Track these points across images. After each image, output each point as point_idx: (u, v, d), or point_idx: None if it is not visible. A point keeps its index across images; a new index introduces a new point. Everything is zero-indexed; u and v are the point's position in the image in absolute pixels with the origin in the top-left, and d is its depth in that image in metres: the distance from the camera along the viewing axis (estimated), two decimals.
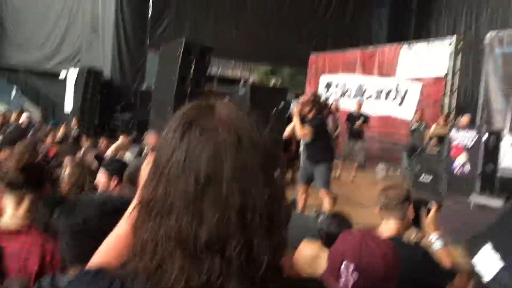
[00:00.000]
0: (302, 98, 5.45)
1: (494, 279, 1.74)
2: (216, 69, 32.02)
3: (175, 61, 6.93)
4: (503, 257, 1.76)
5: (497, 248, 1.80)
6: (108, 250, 0.92)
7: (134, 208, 0.80)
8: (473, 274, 1.94)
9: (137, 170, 2.00)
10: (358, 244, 1.57)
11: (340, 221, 2.84)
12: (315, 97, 5.58)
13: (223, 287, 0.70)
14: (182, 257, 0.71)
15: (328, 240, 2.75)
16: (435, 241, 2.44)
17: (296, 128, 5.19)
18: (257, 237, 0.72)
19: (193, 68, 6.75)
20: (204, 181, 0.72)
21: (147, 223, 0.75)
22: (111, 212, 1.40)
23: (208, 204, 0.71)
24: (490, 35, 10.21)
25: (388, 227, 2.43)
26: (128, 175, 2.87)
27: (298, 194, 5.64)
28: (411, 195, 2.54)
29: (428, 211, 2.47)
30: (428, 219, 2.46)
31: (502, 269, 1.71)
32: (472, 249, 1.93)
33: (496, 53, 10.04)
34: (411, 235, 2.59)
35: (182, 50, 6.82)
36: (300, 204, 5.55)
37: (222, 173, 0.72)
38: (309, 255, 2.81)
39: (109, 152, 4.47)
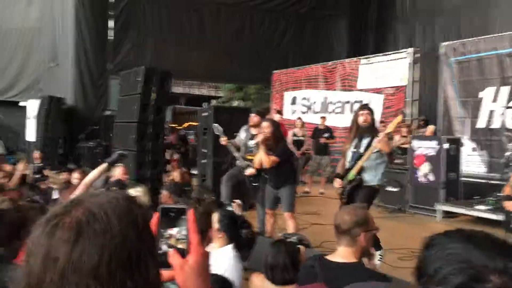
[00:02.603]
0: (264, 134, 5.29)
1: None
2: (182, 88, 32.04)
3: (136, 89, 6.89)
4: None
5: None
6: None
7: None
8: None
9: None
10: None
11: (276, 251, 2.72)
12: (274, 123, 5.54)
13: None
14: None
15: (266, 271, 2.70)
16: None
17: (264, 160, 5.22)
18: None
19: (154, 95, 6.72)
20: (35, 283, 0.71)
21: None
22: None
23: None
24: (444, 46, 10.55)
25: (343, 253, 2.38)
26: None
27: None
28: (367, 220, 2.50)
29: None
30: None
31: None
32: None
33: (451, 63, 10.37)
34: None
35: (142, 78, 6.78)
36: (268, 229, 5.55)
37: (51, 275, 0.70)
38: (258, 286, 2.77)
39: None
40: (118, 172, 5.75)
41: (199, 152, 9.20)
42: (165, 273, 0.90)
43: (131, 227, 0.76)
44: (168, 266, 0.91)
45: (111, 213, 0.75)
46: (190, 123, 20.23)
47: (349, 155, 4.90)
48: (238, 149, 6.25)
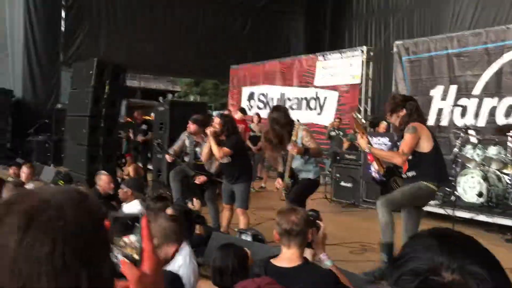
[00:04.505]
0: (214, 122, 5.33)
1: None
2: (137, 82, 31.40)
3: (89, 82, 6.70)
4: None
5: None
6: None
7: None
8: None
9: None
10: None
11: (225, 255, 2.59)
12: (225, 118, 5.51)
13: None
14: None
15: (215, 275, 2.55)
16: (324, 259, 2.49)
17: (214, 151, 5.15)
18: None
19: (107, 88, 6.55)
20: None
21: None
22: None
23: None
24: (397, 45, 10.84)
25: (291, 255, 2.34)
26: None
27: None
28: (309, 218, 2.52)
29: (317, 230, 2.50)
30: (318, 239, 2.47)
31: None
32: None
33: (403, 61, 10.67)
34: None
35: (94, 70, 6.60)
36: (223, 224, 5.53)
37: (2, 263, 0.66)
38: None
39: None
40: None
41: (155, 147, 9.06)
42: (120, 284, 0.85)
43: (85, 216, 0.73)
44: (120, 276, 0.87)
45: (64, 201, 0.72)
46: (146, 117, 19.85)
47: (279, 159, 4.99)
48: (180, 155, 6.06)
